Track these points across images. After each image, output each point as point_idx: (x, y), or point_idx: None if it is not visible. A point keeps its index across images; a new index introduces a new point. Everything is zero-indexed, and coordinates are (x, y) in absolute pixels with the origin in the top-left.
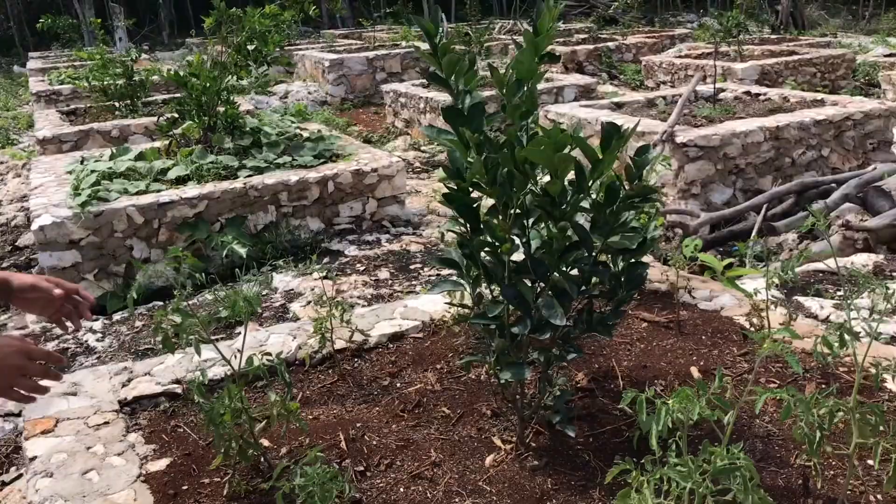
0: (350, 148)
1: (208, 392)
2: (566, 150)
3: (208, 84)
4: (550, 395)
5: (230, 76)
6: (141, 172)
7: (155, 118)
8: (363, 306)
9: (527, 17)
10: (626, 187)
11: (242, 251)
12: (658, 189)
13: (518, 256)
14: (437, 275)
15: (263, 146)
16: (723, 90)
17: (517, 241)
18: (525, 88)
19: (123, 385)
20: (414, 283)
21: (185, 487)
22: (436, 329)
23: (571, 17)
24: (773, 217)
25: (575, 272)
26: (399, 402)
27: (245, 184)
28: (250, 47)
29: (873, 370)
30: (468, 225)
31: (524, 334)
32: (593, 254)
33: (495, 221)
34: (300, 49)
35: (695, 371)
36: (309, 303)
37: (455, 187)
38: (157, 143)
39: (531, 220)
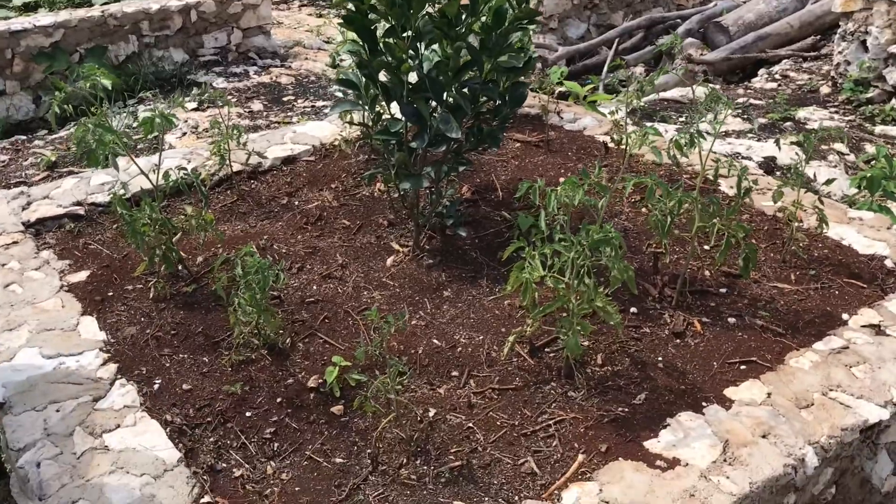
0: None
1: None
2: None
3: None
4: (441, 204)
5: None
6: None
7: None
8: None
9: None
10: (514, 10)
11: (107, 82)
12: (539, 12)
13: (412, 78)
14: (312, 107)
15: None
16: None
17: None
18: None
19: (24, 208)
20: (290, 114)
21: (110, 294)
22: (327, 153)
23: None
24: (623, 51)
25: (467, 91)
26: (301, 216)
27: (103, 12)
28: None
29: (711, 174)
30: (366, 46)
31: (422, 148)
32: (484, 73)
33: (394, 42)
34: None
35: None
36: (185, 134)
37: (354, 9)
38: None
39: (425, 43)
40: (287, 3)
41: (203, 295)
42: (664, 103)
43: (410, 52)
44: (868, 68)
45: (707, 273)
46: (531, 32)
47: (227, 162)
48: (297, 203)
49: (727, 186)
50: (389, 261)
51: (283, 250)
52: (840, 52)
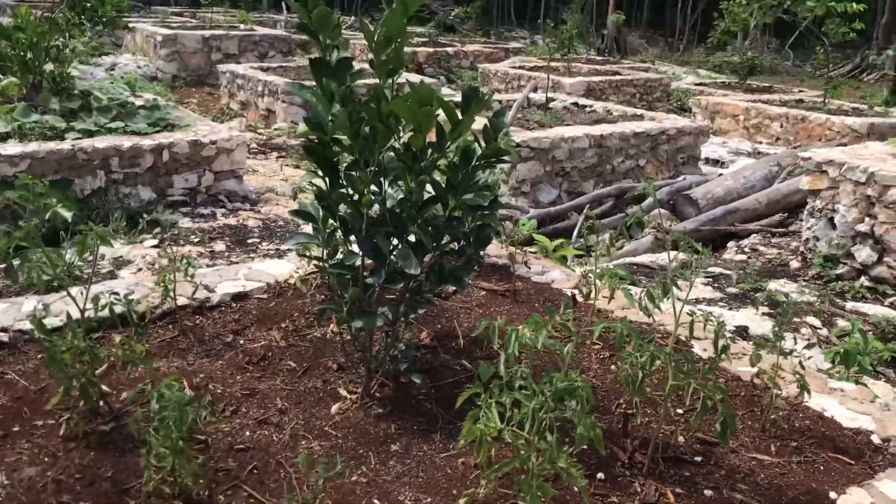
0: (188, 119)
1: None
2: (430, 108)
3: (36, 39)
4: (396, 348)
5: (61, 34)
6: None
7: None
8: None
9: (368, 15)
10: (482, 147)
11: (67, 214)
12: (507, 156)
13: (375, 212)
14: (276, 249)
15: (94, 110)
16: (553, 100)
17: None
18: (393, 46)
19: None
20: (252, 255)
21: (16, 429)
22: (281, 291)
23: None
24: (593, 218)
25: (430, 228)
26: (243, 356)
27: (73, 146)
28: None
29: (684, 333)
30: (327, 178)
31: (378, 284)
32: (448, 210)
33: (356, 174)
34: (130, 21)
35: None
36: (140, 269)
37: (316, 140)
38: None
39: (388, 179)
40: (265, 154)
41: (122, 435)
42: (634, 268)
43: (373, 186)
44: (836, 245)
45: (681, 438)
46: (504, 193)
47: (172, 295)
48: (242, 342)
49: (700, 349)
50: (335, 408)
51: (219, 391)
52: (809, 228)
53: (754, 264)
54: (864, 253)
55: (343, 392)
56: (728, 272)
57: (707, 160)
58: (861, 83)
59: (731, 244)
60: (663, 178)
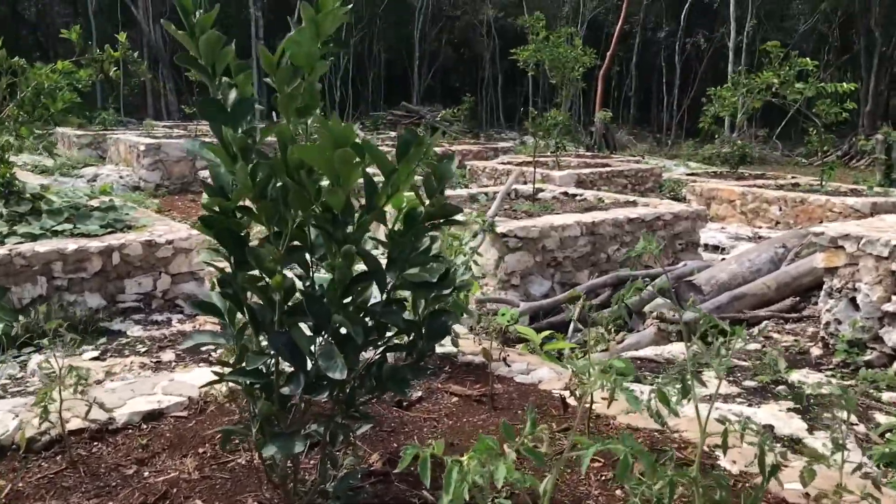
0: (145, 220)
1: None
2: (347, 152)
3: None
4: (333, 478)
5: (7, 134)
6: None
7: None
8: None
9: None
10: (425, 204)
11: None
12: (457, 215)
13: (297, 299)
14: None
15: (43, 213)
16: (541, 190)
17: (290, 274)
18: (303, 79)
19: None
20: (201, 365)
21: None
22: (205, 406)
23: (401, 126)
24: (590, 309)
25: (363, 316)
26: (140, 494)
27: (10, 250)
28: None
29: (706, 444)
30: (233, 258)
31: (296, 394)
32: (387, 291)
33: (263, 248)
34: (115, 133)
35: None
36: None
37: (217, 209)
38: None
39: (317, 255)
40: None
41: None
42: (637, 363)
43: (295, 266)
44: (861, 328)
45: None
46: (485, 290)
47: (59, 417)
48: (147, 474)
49: (728, 461)
50: None
51: None
52: (829, 311)
53: (771, 353)
54: (894, 336)
55: None
56: (743, 363)
57: (706, 246)
58: (851, 169)
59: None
60: (661, 266)
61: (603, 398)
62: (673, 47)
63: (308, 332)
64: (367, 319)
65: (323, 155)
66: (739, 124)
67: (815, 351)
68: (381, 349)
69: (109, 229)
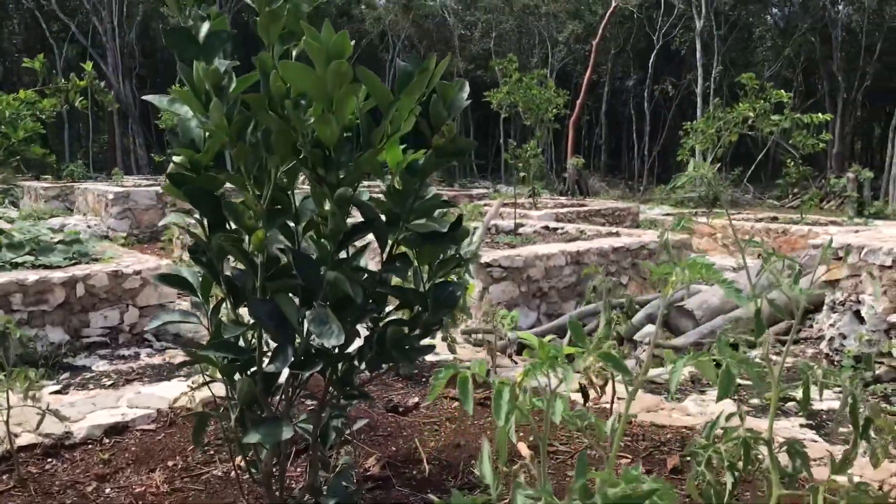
0: (111, 252)
1: None
2: (343, 65)
3: None
4: (325, 482)
5: None
6: None
7: None
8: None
9: None
10: (433, 138)
11: None
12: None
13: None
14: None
15: (3, 247)
16: (522, 225)
17: (282, 238)
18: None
19: None
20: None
21: None
22: (174, 419)
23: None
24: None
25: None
26: None
27: None
28: None
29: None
30: (206, 220)
31: (282, 370)
32: (389, 247)
33: (243, 202)
34: (83, 184)
35: (523, 448)
36: None
37: (187, 165)
38: None
39: (301, 222)
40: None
41: None
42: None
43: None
44: (868, 342)
45: None
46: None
47: (6, 430)
48: (108, 490)
49: None
50: None
51: None
52: (832, 325)
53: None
54: None
55: None
56: (746, 382)
57: None
58: (823, 210)
59: None
60: (649, 295)
61: (619, 398)
62: (642, 95)
63: (297, 303)
64: (366, 281)
65: (314, 77)
66: (721, 157)
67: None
68: (380, 324)
69: (74, 261)
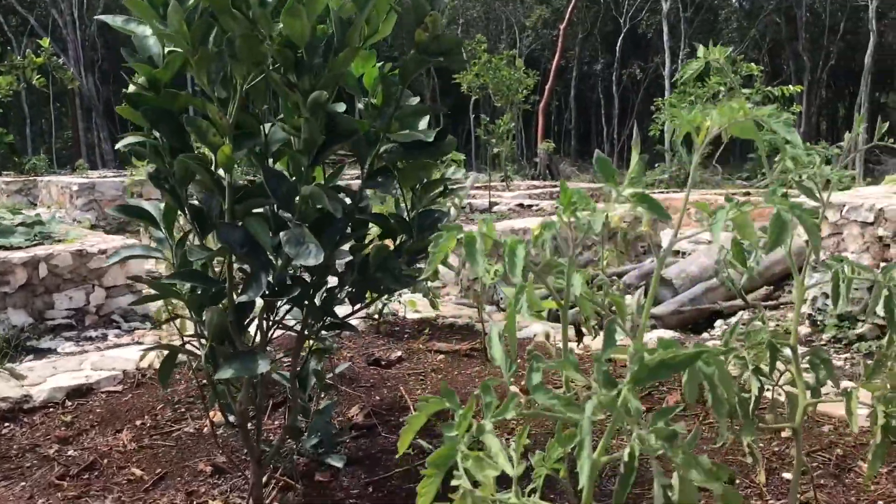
0: (76, 233)
1: None
2: None
3: None
4: (302, 425)
5: None
6: None
7: None
8: None
9: None
10: (416, 32)
11: None
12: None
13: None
14: None
15: None
16: (496, 203)
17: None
18: None
19: None
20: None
21: None
22: (143, 380)
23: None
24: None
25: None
26: (61, 467)
27: None
28: None
29: None
30: (169, 144)
31: (260, 297)
32: (369, 160)
33: (206, 116)
34: (46, 177)
35: (515, 389)
36: None
37: (145, 83)
38: None
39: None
40: None
41: None
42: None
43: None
44: (852, 300)
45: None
46: (449, 299)
47: None
48: (71, 452)
49: None
50: None
51: None
52: (814, 285)
53: (756, 339)
54: None
55: None
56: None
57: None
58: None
59: (718, 323)
60: (630, 261)
61: None
62: (610, 79)
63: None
64: (344, 198)
65: None
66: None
67: (804, 329)
68: (362, 246)
69: (36, 243)
